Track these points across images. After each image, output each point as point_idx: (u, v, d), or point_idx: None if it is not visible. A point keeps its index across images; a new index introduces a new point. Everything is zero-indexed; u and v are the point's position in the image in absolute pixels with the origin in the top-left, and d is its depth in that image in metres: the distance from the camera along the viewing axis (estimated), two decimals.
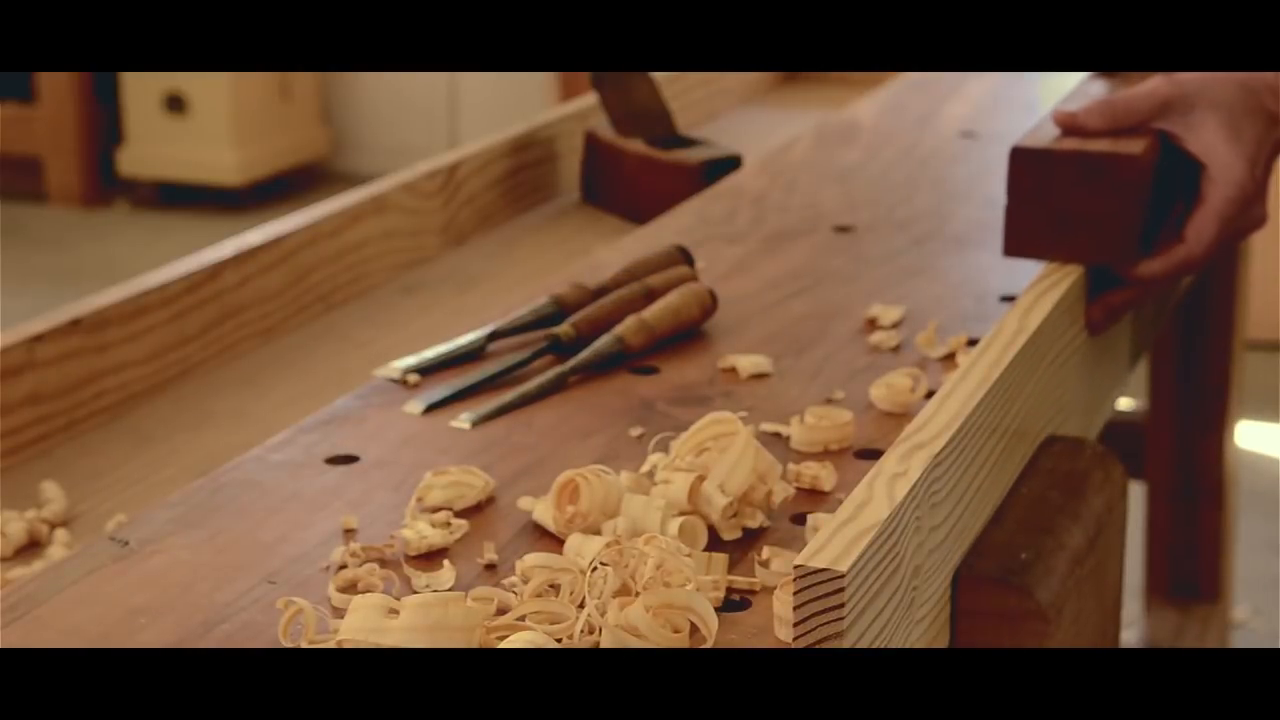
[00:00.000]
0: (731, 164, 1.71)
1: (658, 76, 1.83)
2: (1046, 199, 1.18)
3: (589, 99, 1.89)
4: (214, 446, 1.22)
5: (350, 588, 0.89)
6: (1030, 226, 1.19)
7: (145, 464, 1.21)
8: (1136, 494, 2.28)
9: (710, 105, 2.15)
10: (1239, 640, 2.60)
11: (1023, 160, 1.19)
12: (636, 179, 1.73)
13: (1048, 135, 1.21)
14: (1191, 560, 2.33)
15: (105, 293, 1.30)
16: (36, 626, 0.86)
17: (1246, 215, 1.21)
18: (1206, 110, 1.19)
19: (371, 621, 0.82)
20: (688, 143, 1.75)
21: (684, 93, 2.05)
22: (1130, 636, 2.36)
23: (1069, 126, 1.21)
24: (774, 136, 2.02)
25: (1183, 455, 2.29)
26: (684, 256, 1.36)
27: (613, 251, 1.43)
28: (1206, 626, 2.30)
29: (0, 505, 1.13)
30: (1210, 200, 1.19)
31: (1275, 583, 2.79)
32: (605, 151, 1.78)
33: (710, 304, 1.27)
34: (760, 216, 1.55)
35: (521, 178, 1.79)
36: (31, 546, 1.09)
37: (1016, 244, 1.20)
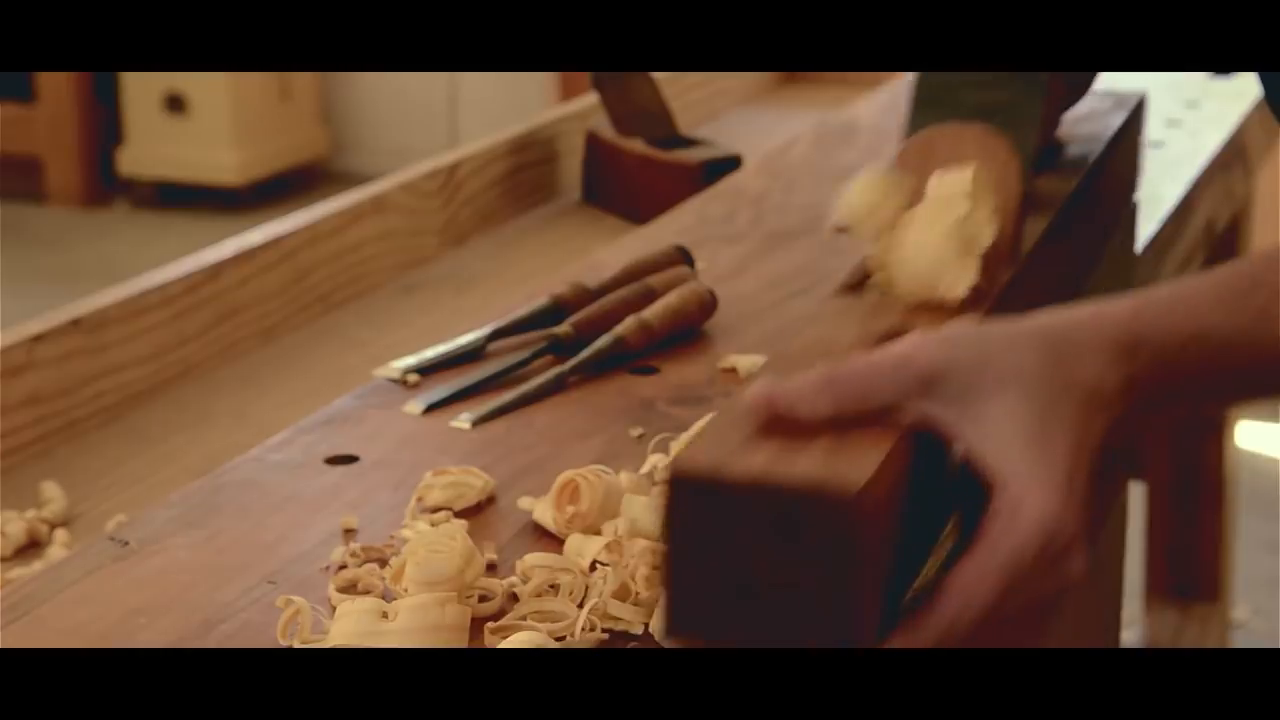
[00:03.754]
0: (731, 164, 1.71)
1: (658, 76, 1.83)
2: (721, 552, 0.72)
3: (589, 99, 1.89)
4: (214, 446, 1.22)
5: (350, 588, 0.89)
6: (700, 596, 0.72)
7: (145, 464, 1.21)
8: (1136, 494, 2.28)
9: (710, 105, 2.15)
10: (1239, 640, 2.60)
11: (684, 494, 0.72)
12: (636, 179, 1.73)
13: (729, 440, 0.74)
14: (1191, 560, 2.33)
15: (105, 293, 1.30)
16: (36, 626, 0.86)
17: (1056, 569, 0.76)
18: (994, 393, 0.75)
19: (364, 626, 0.82)
20: (688, 143, 1.75)
21: (684, 93, 2.05)
22: (1130, 636, 2.36)
23: (772, 414, 0.75)
24: (774, 136, 2.02)
25: (1183, 455, 2.29)
26: (684, 256, 1.36)
27: (613, 251, 1.43)
28: (1206, 626, 2.30)
29: (0, 505, 1.13)
30: (993, 545, 0.75)
31: (1275, 583, 2.79)
32: (605, 151, 1.78)
33: (710, 304, 1.27)
34: (760, 216, 1.55)
35: (521, 178, 1.79)
36: (31, 546, 1.09)
37: (685, 618, 0.73)
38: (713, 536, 0.71)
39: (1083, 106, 1.20)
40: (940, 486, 0.81)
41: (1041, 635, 0.80)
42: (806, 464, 0.72)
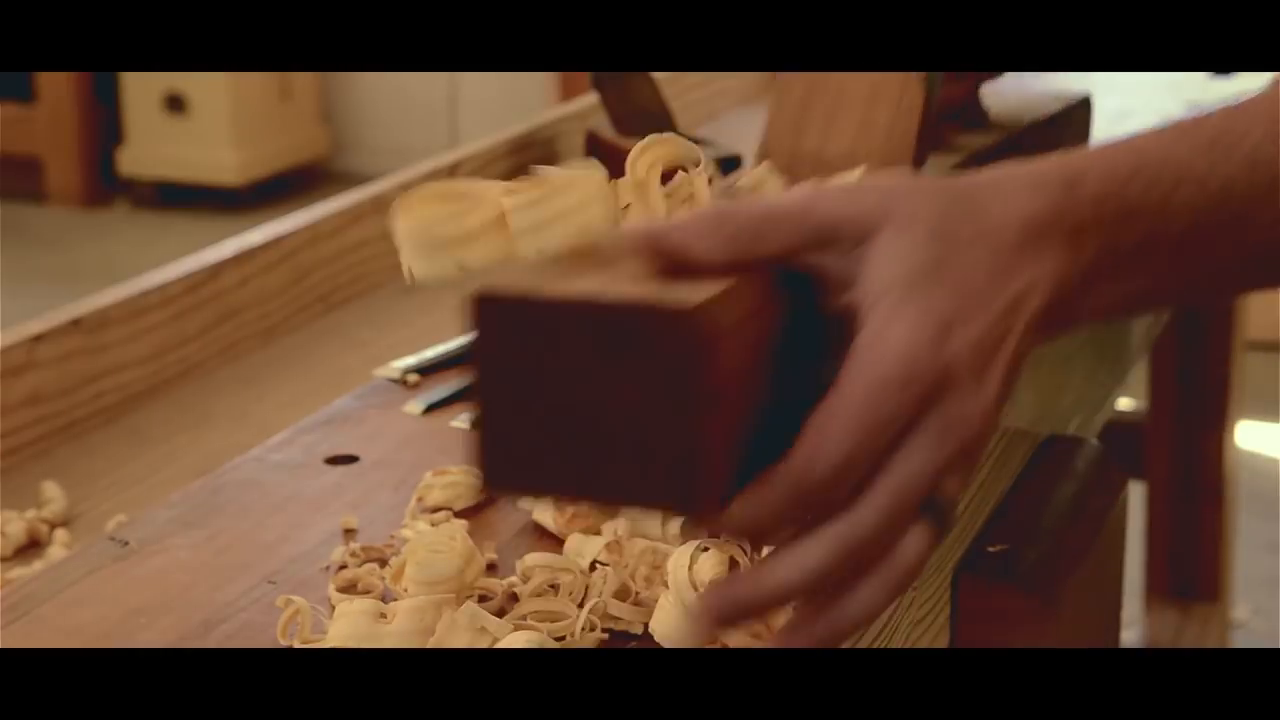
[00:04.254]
0: (731, 164, 1.71)
1: (658, 76, 1.83)
2: (544, 390, 0.64)
3: (589, 99, 1.89)
4: (214, 447, 1.22)
5: (350, 588, 0.89)
6: (524, 439, 0.65)
7: (145, 464, 1.21)
8: (1136, 494, 2.28)
9: (710, 105, 2.15)
10: (1239, 640, 2.60)
11: (493, 318, 0.64)
12: None
13: (589, 264, 0.68)
14: (1191, 560, 2.33)
15: (105, 293, 1.30)
16: (36, 626, 0.86)
17: (938, 412, 0.67)
18: (890, 235, 0.68)
19: (361, 628, 0.82)
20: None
21: (684, 93, 2.05)
22: (1130, 636, 2.36)
23: (655, 252, 0.68)
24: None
25: (1183, 455, 2.29)
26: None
27: None
28: (1206, 626, 2.31)
29: (0, 505, 1.13)
30: (847, 383, 0.66)
31: (1275, 583, 2.79)
32: (605, 151, 1.77)
33: None
34: None
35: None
36: (31, 546, 1.09)
37: (504, 469, 0.66)
38: (528, 369, 0.63)
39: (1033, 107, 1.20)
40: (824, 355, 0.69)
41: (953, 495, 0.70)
42: (642, 288, 0.64)
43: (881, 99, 0.88)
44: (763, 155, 0.85)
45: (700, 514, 0.66)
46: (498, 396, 0.65)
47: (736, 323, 0.65)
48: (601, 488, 0.65)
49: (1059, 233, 0.70)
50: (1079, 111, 1.25)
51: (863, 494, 0.67)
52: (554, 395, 0.63)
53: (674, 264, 0.67)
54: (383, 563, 0.91)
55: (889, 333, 0.66)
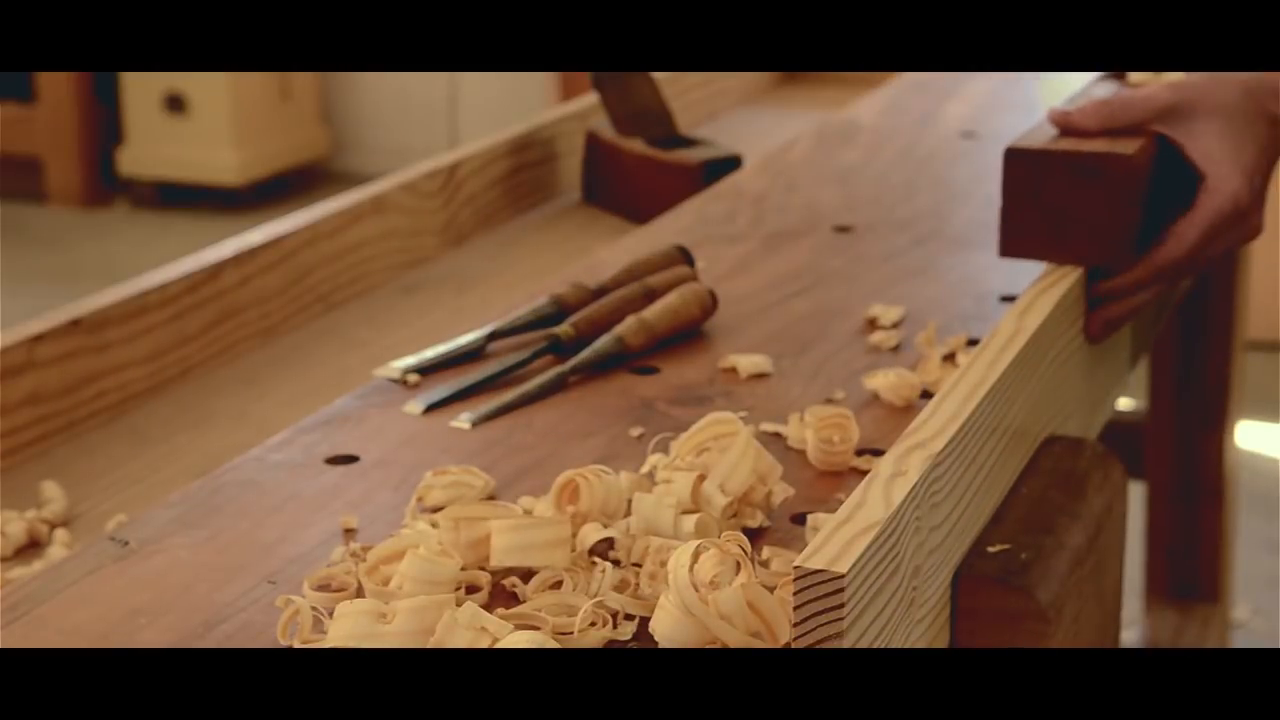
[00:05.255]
0: (731, 164, 1.71)
1: (658, 76, 1.83)
2: (1040, 200, 1.17)
3: (589, 99, 1.89)
4: (214, 446, 1.22)
5: (326, 586, 0.89)
6: (1025, 227, 1.18)
7: (145, 464, 1.21)
8: (1136, 494, 2.28)
9: (710, 105, 2.15)
10: (1239, 640, 2.61)
11: (1017, 161, 1.18)
12: (636, 179, 1.73)
13: (1043, 136, 1.20)
14: (1191, 560, 2.33)
15: (105, 293, 1.30)
16: (36, 626, 0.86)
17: (1241, 226, 1.19)
18: (1208, 116, 1.18)
19: (361, 628, 0.82)
20: (688, 143, 1.75)
21: (684, 93, 2.05)
22: (1130, 636, 2.36)
23: (1064, 126, 1.20)
24: (774, 136, 2.02)
25: (1183, 455, 2.29)
26: (684, 256, 1.36)
27: (613, 251, 1.43)
28: (1206, 626, 2.30)
29: (0, 505, 1.13)
30: (1200, 208, 1.17)
31: (1275, 583, 2.79)
32: (605, 151, 1.78)
33: (710, 304, 1.27)
34: (760, 216, 1.55)
35: (521, 178, 1.79)
36: (31, 546, 1.09)
37: (1012, 245, 1.19)
38: (1037, 188, 1.17)
39: None
40: (1169, 184, 1.21)
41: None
42: (1095, 145, 1.17)
43: None
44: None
45: (1120, 269, 1.18)
46: (1014, 202, 1.18)
47: (1139, 156, 1.17)
48: (1070, 254, 1.17)
49: None
50: None
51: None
52: (1047, 201, 1.17)
53: (1071, 130, 1.20)
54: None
55: (1226, 182, 1.17)
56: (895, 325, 1.28)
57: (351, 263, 1.53)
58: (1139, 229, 1.19)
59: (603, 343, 1.20)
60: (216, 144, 4.80)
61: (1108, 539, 1.07)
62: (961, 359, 1.20)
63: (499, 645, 0.80)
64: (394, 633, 0.81)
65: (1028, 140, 1.20)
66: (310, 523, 0.97)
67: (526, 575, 0.89)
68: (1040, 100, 1.96)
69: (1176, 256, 1.17)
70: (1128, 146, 1.17)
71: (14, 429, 1.20)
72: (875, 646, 0.79)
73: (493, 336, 1.24)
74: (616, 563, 0.91)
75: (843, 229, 1.52)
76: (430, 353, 1.21)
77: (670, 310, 1.24)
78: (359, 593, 0.87)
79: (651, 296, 1.27)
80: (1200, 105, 1.18)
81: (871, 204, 1.59)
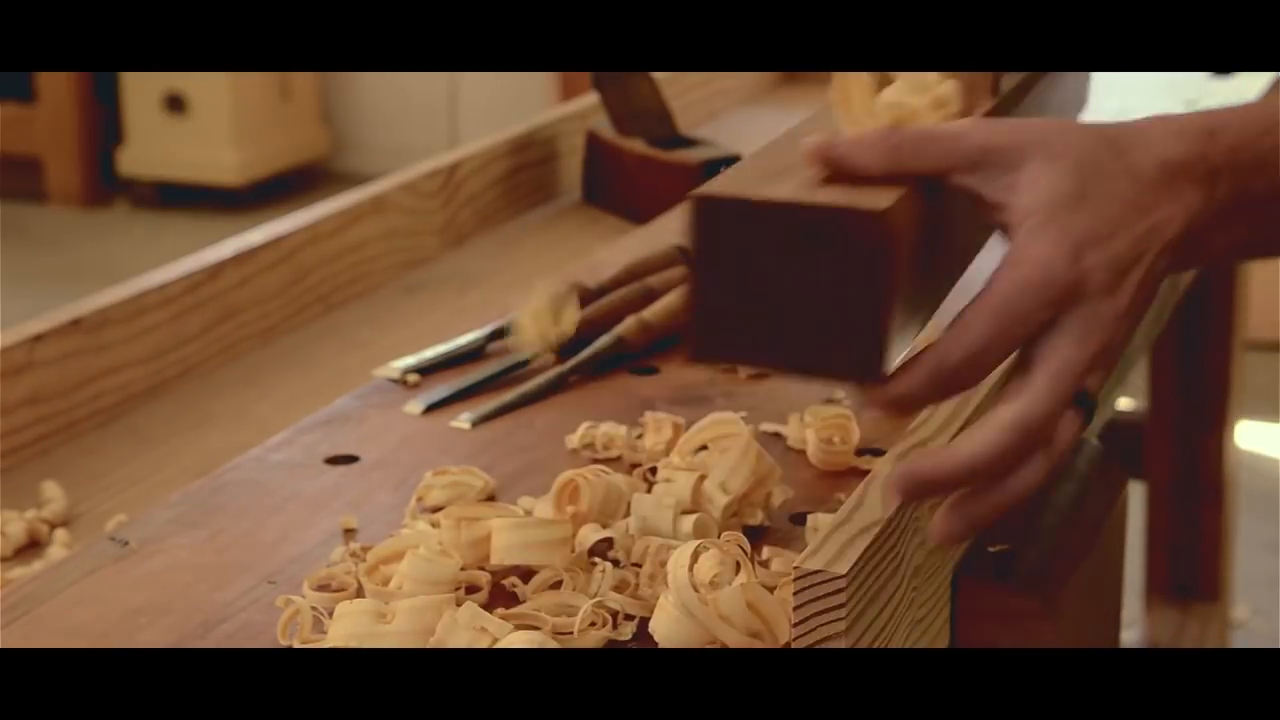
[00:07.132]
0: (731, 164, 1.71)
1: (658, 76, 1.83)
2: (749, 276, 0.76)
3: (589, 99, 1.89)
4: (214, 446, 1.22)
5: (326, 586, 0.89)
6: (726, 316, 0.77)
7: (145, 464, 1.21)
8: (1136, 494, 2.28)
9: (710, 105, 2.15)
10: (1239, 640, 2.61)
11: (710, 213, 0.77)
12: (637, 179, 1.73)
13: (771, 174, 0.80)
14: (1191, 560, 2.33)
15: (105, 293, 1.30)
16: (36, 626, 0.86)
17: (1074, 309, 0.77)
18: (1039, 165, 0.79)
19: (361, 628, 0.82)
20: (688, 143, 1.75)
21: (684, 93, 2.05)
22: (1130, 636, 2.36)
23: (829, 163, 0.80)
24: (774, 137, 2.02)
25: (1183, 455, 2.29)
26: (684, 256, 1.35)
27: (613, 251, 1.43)
28: (1206, 626, 2.31)
29: (0, 505, 1.13)
30: (993, 286, 0.78)
31: (1275, 583, 2.79)
32: (605, 151, 1.77)
33: None
34: None
35: (521, 178, 1.79)
36: (31, 546, 1.09)
37: (708, 341, 0.78)
38: (740, 257, 0.76)
39: None
40: (956, 252, 0.87)
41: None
42: (834, 193, 0.77)
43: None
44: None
45: (870, 384, 0.77)
46: (708, 281, 0.77)
47: (907, 226, 0.78)
48: (792, 360, 0.76)
49: (1197, 175, 0.80)
50: None
51: (1027, 384, 0.77)
52: (756, 281, 0.76)
53: (840, 171, 0.79)
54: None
55: (1031, 248, 0.77)
56: None
57: (352, 263, 1.53)
58: (907, 323, 0.80)
59: (602, 343, 1.20)
60: (216, 144, 4.80)
61: (1108, 539, 1.07)
62: None
63: (499, 645, 0.80)
64: (394, 633, 0.81)
65: (730, 183, 0.79)
66: (310, 523, 0.97)
67: (526, 575, 0.89)
68: None
69: (954, 359, 0.77)
70: (882, 198, 0.76)
71: (14, 429, 1.20)
72: (875, 647, 0.79)
73: (493, 336, 1.24)
74: (616, 563, 0.91)
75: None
76: (430, 353, 1.21)
77: (670, 310, 1.24)
78: (359, 593, 0.87)
79: (651, 296, 1.27)
80: (1031, 151, 0.79)
81: None
